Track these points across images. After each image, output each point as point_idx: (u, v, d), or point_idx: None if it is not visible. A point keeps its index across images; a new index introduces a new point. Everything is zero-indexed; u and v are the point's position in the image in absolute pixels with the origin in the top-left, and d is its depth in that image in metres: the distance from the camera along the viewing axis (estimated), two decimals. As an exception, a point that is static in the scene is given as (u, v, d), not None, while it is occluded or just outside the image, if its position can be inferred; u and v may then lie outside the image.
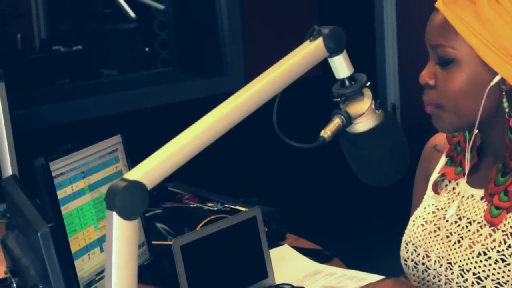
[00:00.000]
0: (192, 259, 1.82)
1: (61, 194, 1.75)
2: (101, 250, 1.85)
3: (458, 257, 1.59)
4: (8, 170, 2.41)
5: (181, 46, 4.71)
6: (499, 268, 1.53)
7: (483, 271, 1.55)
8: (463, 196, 1.65)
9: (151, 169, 1.18)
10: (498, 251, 1.54)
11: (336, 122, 1.38)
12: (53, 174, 1.73)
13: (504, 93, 1.52)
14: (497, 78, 1.51)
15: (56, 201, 1.73)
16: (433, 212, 1.69)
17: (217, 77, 4.54)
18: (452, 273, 1.59)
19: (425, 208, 1.72)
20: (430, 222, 1.68)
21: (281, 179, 4.72)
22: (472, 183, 1.65)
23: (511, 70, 1.49)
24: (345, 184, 3.47)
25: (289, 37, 4.41)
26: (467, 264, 1.57)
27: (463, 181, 1.66)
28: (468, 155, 1.63)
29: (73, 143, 1.83)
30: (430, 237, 1.66)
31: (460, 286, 1.57)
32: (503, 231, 1.55)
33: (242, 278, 1.92)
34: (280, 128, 1.37)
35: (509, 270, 1.52)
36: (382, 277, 1.92)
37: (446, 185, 1.70)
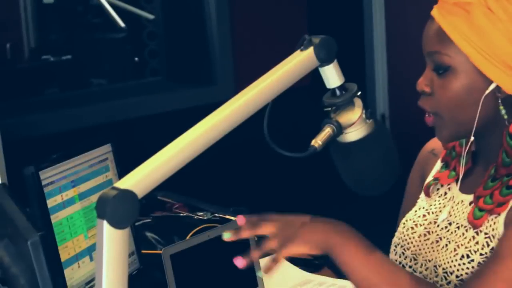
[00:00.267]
0: (182, 268, 1.81)
1: (51, 203, 1.74)
2: (91, 259, 1.85)
3: (443, 259, 1.59)
4: (-2, 179, 2.40)
5: (171, 56, 4.70)
6: None
7: (466, 273, 1.55)
8: (454, 202, 1.65)
9: (142, 178, 1.18)
10: (481, 254, 1.55)
11: (327, 131, 1.38)
12: (43, 183, 1.72)
13: (500, 100, 1.53)
14: (492, 86, 1.52)
15: (46, 210, 1.73)
16: (424, 215, 1.70)
17: (207, 87, 4.52)
18: (436, 276, 1.60)
19: (416, 211, 1.72)
20: (421, 225, 1.69)
21: (271, 189, 4.71)
22: (463, 188, 1.65)
23: (506, 78, 1.50)
24: (336, 194, 3.46)
25: (279, 46, 4.40)
26: (450, 266, 1.58)
27: (455, 186, 1.66)
28: (463, 160, 1.63)
29: (63, 152, 1.82)
30: (420, 241, 1.66)
31: (444, 289, 1.58)
32: (485, 233, 1.56)
33: (232, 288, 1.92)
34: (271, 137, 1.37)
35: None
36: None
37: (438, 189, 1.71)
